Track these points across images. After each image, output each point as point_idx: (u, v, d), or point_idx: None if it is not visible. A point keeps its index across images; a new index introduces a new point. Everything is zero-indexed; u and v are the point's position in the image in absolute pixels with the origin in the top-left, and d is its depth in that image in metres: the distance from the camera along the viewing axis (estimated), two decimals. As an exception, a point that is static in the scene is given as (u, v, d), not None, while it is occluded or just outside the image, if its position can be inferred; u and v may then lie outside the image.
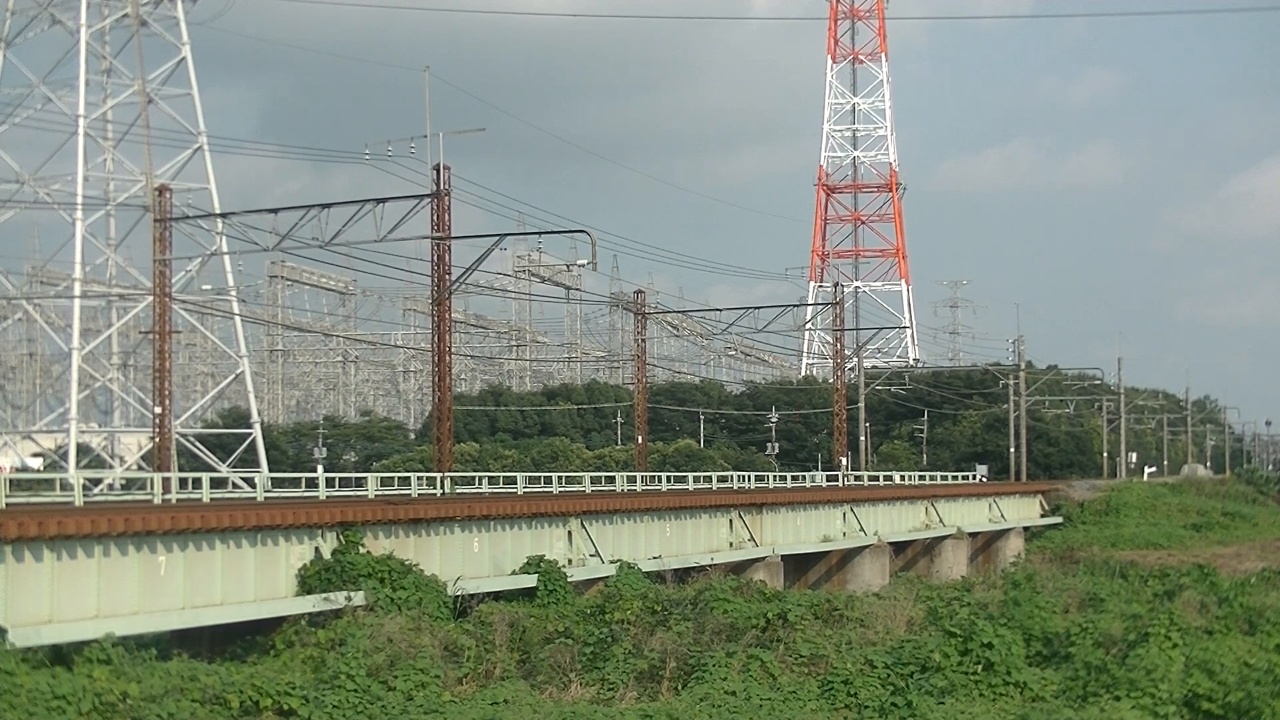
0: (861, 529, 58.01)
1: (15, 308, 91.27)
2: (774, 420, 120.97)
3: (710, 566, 42.95)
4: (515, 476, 50.31)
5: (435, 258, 49.58)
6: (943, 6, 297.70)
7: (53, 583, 24.39)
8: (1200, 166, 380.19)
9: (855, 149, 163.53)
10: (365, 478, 42.59)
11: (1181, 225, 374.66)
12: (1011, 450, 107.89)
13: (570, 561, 37.93)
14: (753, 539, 48.82)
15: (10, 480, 33.27)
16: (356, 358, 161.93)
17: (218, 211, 64.77)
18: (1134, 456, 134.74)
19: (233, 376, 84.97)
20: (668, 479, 58.90)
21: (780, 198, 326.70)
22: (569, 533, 38.73)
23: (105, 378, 77.35)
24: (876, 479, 78.59)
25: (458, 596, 31.88)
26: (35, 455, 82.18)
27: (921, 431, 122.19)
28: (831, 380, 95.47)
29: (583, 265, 51.59)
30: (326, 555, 30.35)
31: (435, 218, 48.81)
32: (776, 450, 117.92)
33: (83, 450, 75.22)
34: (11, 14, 75.03)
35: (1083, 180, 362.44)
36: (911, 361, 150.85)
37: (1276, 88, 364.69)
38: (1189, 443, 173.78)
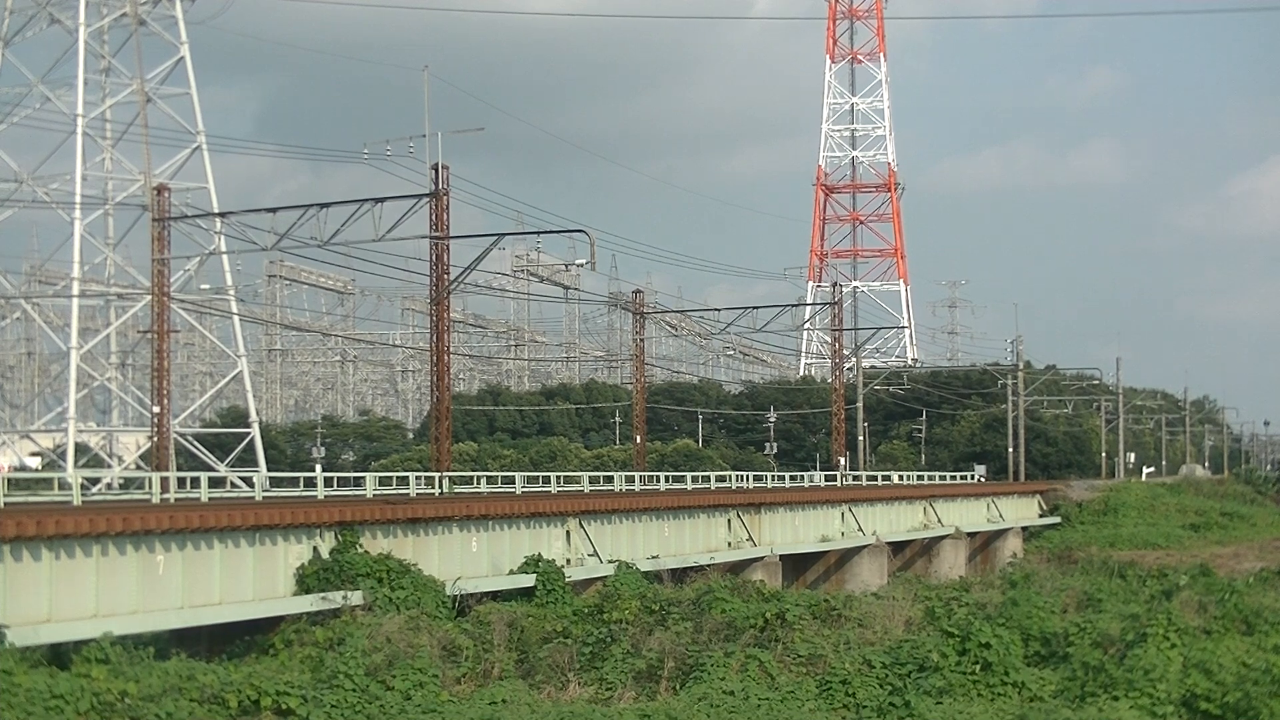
0: (860, 529, 58.02)
1: (14, 307, 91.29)
2: (772, 420, 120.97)
3: (709, 566, 43.01)
4: (514, 476, 50.33)
5: (434, 257, 49.58)
6: (943, 6, 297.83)
7: (51, 582, 24.40)
8: (1201, 166, 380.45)
9: (854, 149, 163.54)
10: (363, 477, 42.59)
11: (1182, 225, 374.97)
12: (1010, 450, 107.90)
13: (568, 561, 37.96)
14: (751, 539, 48.83)
15: (8, 479, 33.27)
16: (355, 357, 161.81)
17: (216, 211, 64.72)
18: (1132, 457, 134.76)
19: (231, 376, 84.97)
20: (666, 479, 58.93)
21: (779, 198, 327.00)
22: (567, 532, 38.75)
23: (104, 377, 77.31)
24: (875, 479, 78.60)
25: (456, 596, 31.89)
26: (33, 454, 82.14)
27: (920, 431, 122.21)
28: (830, 380, 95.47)
29: (581, 265, 51.67)
30: (325, 555, 30.36)
31: (434, 217, 48.81)
32: (775, 450, 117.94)
33: (81, 449, 75.20)
34: (10, 13, 75.01)
35: (1083, 180, 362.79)
36: (910, 361, 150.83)
37: (1279, 88, 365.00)
38: (1187, 443, 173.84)
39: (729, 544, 47.70)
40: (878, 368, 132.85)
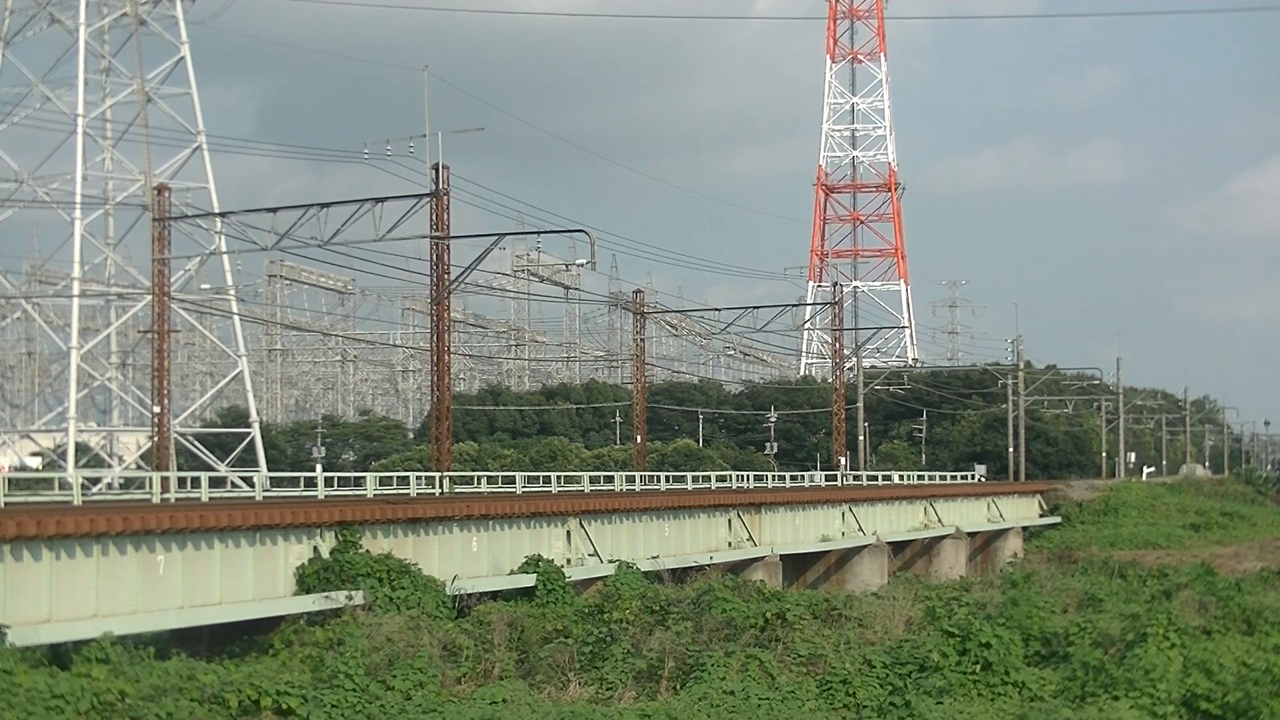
0: (860, 529, 58.01)
1: (14, 307, 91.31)
2: (773, 420, 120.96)
3: (709, 566, 43.01)
4: (514, 476, 50.32)
5: (434, 257, 49.59)
6: (943, 6, 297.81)
7: (51, 582, 24.40)
8: (1201, 166, 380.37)
9: (854, 149, 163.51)
10: (364, 477, 42.59)
11: (1182, 225, 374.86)
12: (1010, 450, 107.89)
13: (569, 561, 37.96)
14: (751, 539, 48.83)
15: (9, 479, 33.25)
16: (355, 357, 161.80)
17: (216, 211, 64.72)
18: (1133, 456, 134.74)
19: (231, 376, 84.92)
20: (666, 479, 58.89)
21: (779, 198, 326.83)
22: (567, 532, 38.74)
23: (104, 377, 77.30)
24: (875, 479, 78.58)
25: (456, 596, 31.90)
26: (34, 454, 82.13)
27: (920, 431, 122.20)
28: (830, 380, 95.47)
29: (582, 265, 51.72)
30: (325, 555, 30.36)
31: (434, 217, 48.81)
32: (775, 450, 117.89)
33: (81, 449, 75.17)
34: (10, 13, 74.99)
35: (1083, 180, 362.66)
36: (910, 361, 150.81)
37: (1279, 88, 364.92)
38: (1188, 443, 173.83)
39: (729, 544, 47.69)
40: (878, 368, 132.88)
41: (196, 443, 75.40)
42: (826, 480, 67.96)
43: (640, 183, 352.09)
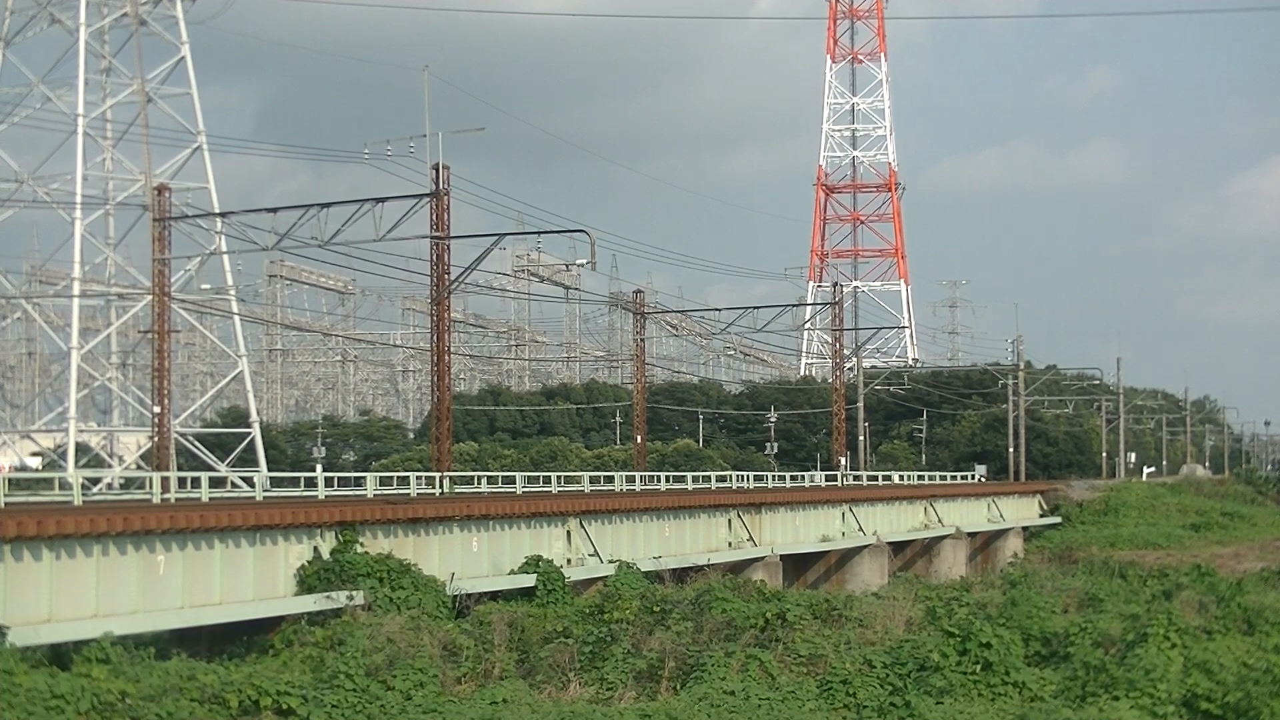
0: (860, 529, 58.00)
1: (14, 307, 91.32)
2: (773, 420, 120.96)
3: (709, 566, 42.98)
4: (514, 476, 50.32)
5: (434, 257, 49.60)
6: (943, 6, 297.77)
7: (51, 582, 24.39)
8: (1201, 166, 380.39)
9: (854, 149, 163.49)
10: (364, 477, 42.59)
11: (1182, 225, 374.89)
12: (1010, 450, 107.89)
13: (569, 561, 37.96)
14: (751, 539, 48.82)
15: (9, 479, 33.26)
16: (355, 357, 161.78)
17: (217, 211, 64.72)
18: (1133, 456, 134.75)
19: (232, 376, 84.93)
20: (667, 479, 58.88)
21: (779, 198, 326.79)
22: (568, 532, 38.74)
23: (104, 377, 77.30)
24: (875, 479, 78.57)
25: (456, 596, 31.90)
26: (34, 454, 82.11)
27: (920, 431, 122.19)
28: (830, 380, 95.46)
29: (582, 265, 51.77)
30: (325, 555, 30.36)
31: (434, 217, 48.82)
32: (775, 450, 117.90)
33: (81, 449, 75.17)
34: (11, 13, 75.01)
35: (1083, 180, 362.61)
36: (910, 361, 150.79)
37: (1279, 88, 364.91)
38: (1188, 443, 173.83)
39: (729, 544, 47.68)
40: (878, 368, 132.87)
41: (196, 443, 75.40)
42: (826, 480, 67.96)
43: (640, 183, 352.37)
